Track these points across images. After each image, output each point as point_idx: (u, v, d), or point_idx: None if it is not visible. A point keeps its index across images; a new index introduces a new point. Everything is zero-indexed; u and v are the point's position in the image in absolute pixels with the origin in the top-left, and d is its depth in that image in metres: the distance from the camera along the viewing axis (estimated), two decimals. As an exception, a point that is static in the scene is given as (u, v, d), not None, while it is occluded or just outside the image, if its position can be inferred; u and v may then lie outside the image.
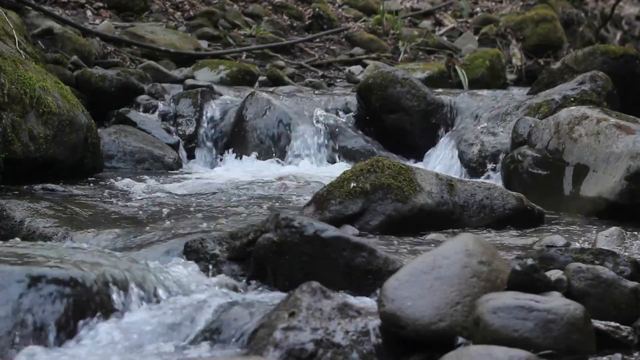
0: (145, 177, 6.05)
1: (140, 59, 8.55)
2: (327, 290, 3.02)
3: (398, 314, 2.92)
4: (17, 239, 4.07)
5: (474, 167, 6.46)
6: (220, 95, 7.48)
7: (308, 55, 9.73)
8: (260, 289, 3.48)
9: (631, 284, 3.14)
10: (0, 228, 4.51)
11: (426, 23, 11.23)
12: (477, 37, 10.73)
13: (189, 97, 7.38)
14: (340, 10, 11.11)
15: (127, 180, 5.85)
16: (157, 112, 7.25)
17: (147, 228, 4.41)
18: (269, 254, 3.47)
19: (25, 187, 5.36)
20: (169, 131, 7.11)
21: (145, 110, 7.25)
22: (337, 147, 7.04)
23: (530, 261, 3.04)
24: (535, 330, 2.79)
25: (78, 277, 3.21)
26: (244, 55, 9.35)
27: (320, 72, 9.34)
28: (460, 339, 2.87)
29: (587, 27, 11.88)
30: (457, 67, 9.16)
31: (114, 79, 7.31)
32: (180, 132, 7.17)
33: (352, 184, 4.47)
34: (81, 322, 3.14)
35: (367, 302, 3.30)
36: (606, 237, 4.07)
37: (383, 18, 10.57)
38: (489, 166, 6.38)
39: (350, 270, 3.40)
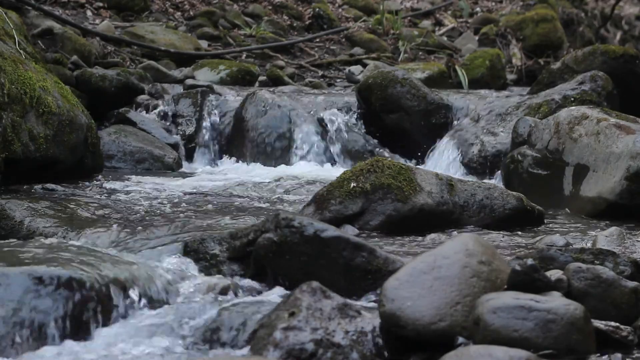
0: (145, 177, 6.05)
1: (140, 59, 8.55)
2: (327, 290, 3.02)
3: (398, 314, 2.92)
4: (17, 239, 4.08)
5: (474, 167, 6.46)
6: (220, 95, 7.48)
7: (308, 55, 9.74)
8: (260, 289, 3.48)
9: (631, 284, 3.15)
10: (0, 228, 4.51)
11: (426, 23, 11.23)
12: (477, 37, 10.73)
13: (189, 97, 7.38)
14: (340, 10, 11.11)
15: (127, 180, 5.85)
16: (157, 112, 7.25)
17: (147, 228, 4.41)
18: (269, 254, 3.47)
19: (25, 187, 5.35)
20: (169, 131, 7.11)
21: (145, 110, 7.25)
22: (337, 147, 7.04)
23: (530, 261, 3.04)
24: (535, 330, 2.79)
25: (78, 277, 3.21)
26: (244, 55, 9.35)
27: (320, 72, 9.34)
28: (461, 339, 2.87)
29: (587, 27, 11.88)
30: (457, 67, 9.16)
31: (114, 79, 7.31)
32: (180, 132, 7.17)
33: (352, 184, 4.47)
34: (81, 322, 3.14)
35: (367, 302, 3.30)
36: (606, 237, 4.07)
37: (383, 18, 10.57)
38: (489, 166, 6.38)
39: (350, 270, 3.40)
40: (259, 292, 3.45)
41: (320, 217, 4.32)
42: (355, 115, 7.28)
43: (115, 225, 4.47)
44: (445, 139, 6.89)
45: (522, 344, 2.75)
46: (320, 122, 7.13)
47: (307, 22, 10.52)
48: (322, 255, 3.40)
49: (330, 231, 3.44)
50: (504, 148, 6.25)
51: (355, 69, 9.25)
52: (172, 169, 6.62)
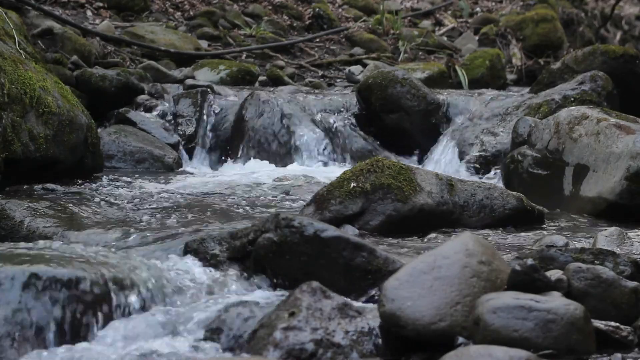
0: (145, 177, 6.05)
1: (140, 59, 8.55)
2: (327, 290, 3.02)
3: (398, 314, 2.92)
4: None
5: (474, 167, 6.46)
6: (220, 95, 7.48)
7: (308, 55, 9.74)
8: (260, 289, 3.48)
9: (631, 284, 3.14)
10: (0, 228, 4.51)
11: (426, 23, 11.24)
12: (477, 37, 10.73)
13: (189, 97, 7.38)
14: (340, 10, 11.12)
15: (127, 180, 5.85)
16: (157, 112, 7.25)
17: (147, 228, 4.41)
18: (269, 254, 3.47)
19: (25, 187, 5.36)
20: (168, 131, 7.11)
21: (145, 110, 7.25)
22: (337, 147, 7.04)
23: (530, 261, 3.04)
24: (535, 330, 2.79)
25: (78, 277, 3.21)
26: (244, 55, 9.35)
27: (320, 72, 9.34)
28: (461, 339, 2.87)
29: (587, 27, 11.88)
30: (457, 67, 9.16)
31: (114, 79, 7.31)
32: (180, 132, 7.17)
33: (352, 184, 4.47)
34: (81, 323, 3.13)
35: (367, 302, 3.30)
36: (606, 237, 4.07)
37: (383, 18, 10.58)
38: (489, 166, 6.38)
39: (350, 270, 3.40)
40: (259, 292, 3.45)
41: (320, 217, 4.32)
42: (355, 115, 7.28)
43: (115, 225, 4.48)
44: (445, 139, 6.89)
45: (522, 344, 2.75)
46: (320, 122, 7.13)
47: (307, 22, 10.52)
48: (322, 255, 3.40)
49: (330, 231, 3.44)
50: (504, 148, 6.25)
51: (355, 69, 9.25)
52: (172, 169, 6.62)
